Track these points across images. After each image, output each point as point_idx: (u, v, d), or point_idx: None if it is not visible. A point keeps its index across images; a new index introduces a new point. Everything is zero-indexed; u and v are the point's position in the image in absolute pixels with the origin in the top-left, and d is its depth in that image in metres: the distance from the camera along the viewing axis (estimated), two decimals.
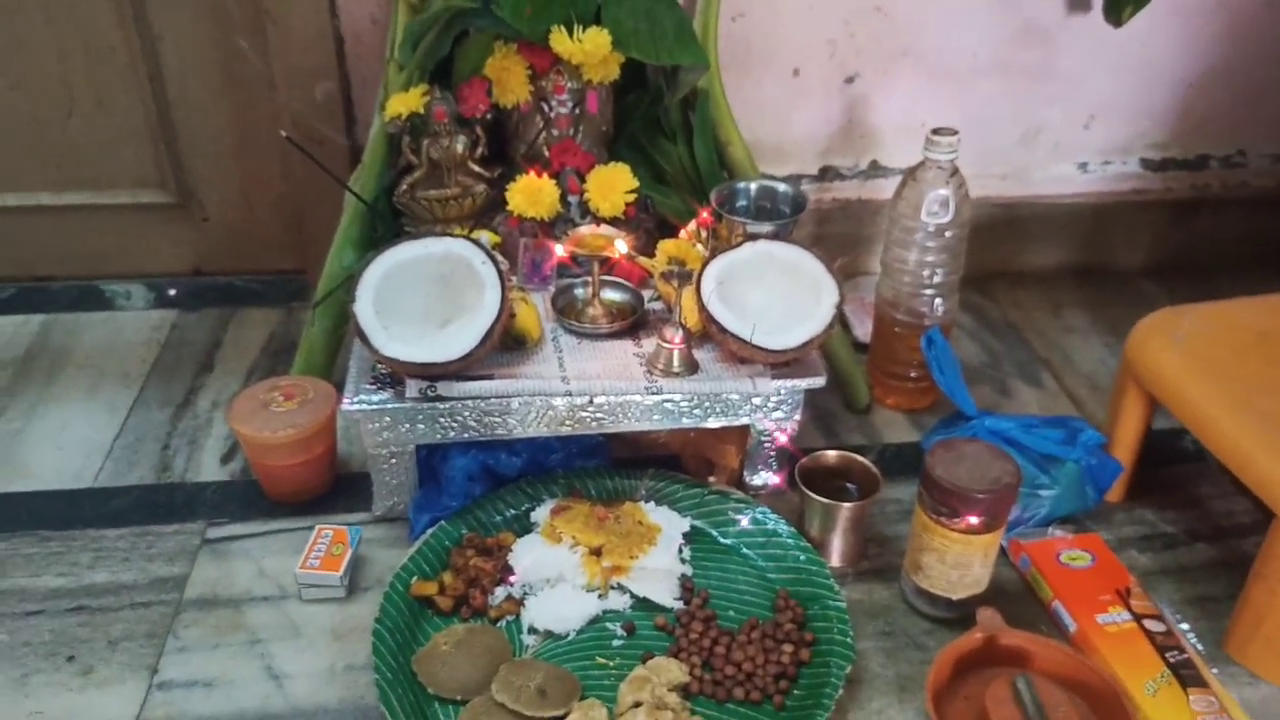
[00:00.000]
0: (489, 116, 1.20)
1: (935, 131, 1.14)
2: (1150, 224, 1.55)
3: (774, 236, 1.11)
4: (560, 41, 1.12)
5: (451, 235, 1.05)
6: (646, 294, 1.15)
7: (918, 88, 1.41)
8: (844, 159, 1.47)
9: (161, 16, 1.31)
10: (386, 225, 1.22)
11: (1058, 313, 1.49)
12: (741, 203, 1.19)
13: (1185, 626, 0.98)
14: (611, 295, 1.14)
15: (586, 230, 1.12)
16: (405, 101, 1.15)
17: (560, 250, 1.10)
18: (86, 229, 1.43)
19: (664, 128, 1.27)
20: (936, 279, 1.19)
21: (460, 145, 1.18)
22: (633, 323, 1.11)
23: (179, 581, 1.02)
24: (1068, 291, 1.54)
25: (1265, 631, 0.91)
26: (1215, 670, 0.92)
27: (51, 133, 1.36)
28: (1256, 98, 1.48)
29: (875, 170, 1.48)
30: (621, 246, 1.08)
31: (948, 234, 1.17)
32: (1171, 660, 0.90)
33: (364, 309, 0.99)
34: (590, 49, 1.12)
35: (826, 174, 1.47)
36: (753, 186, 1.19)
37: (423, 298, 1.03)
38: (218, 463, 1.18)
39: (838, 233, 1.48)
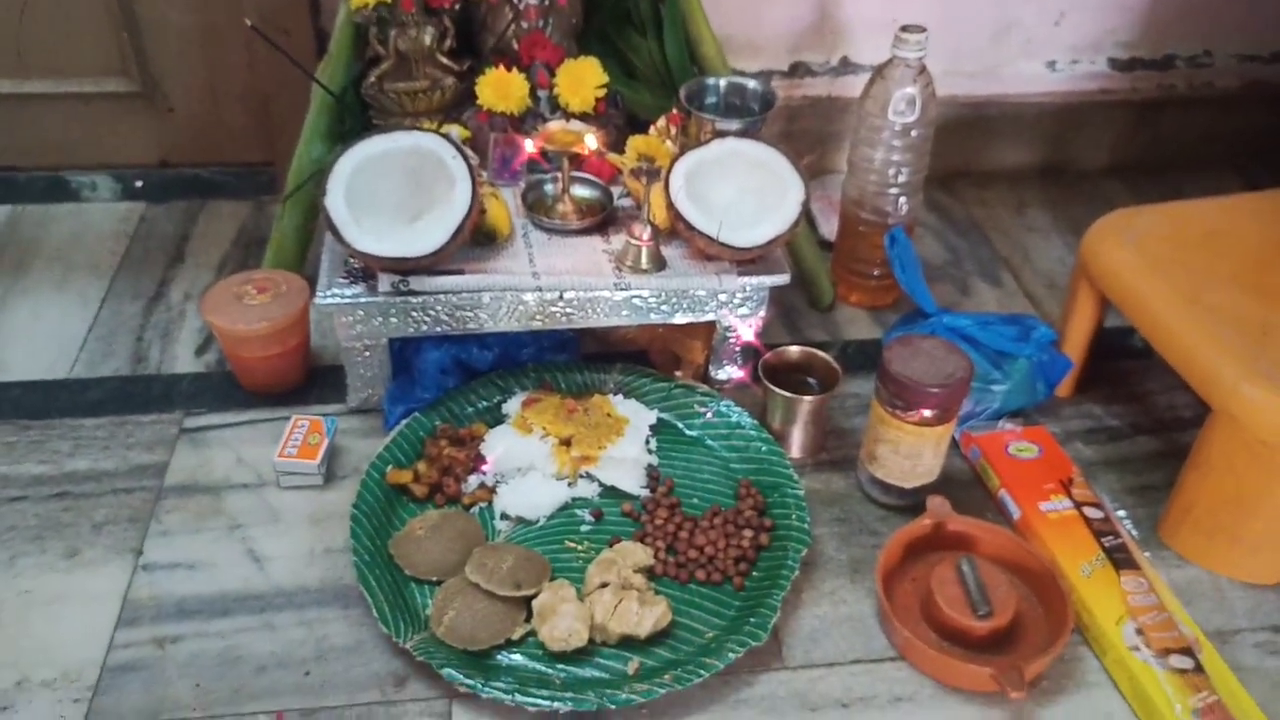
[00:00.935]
0: (457, 7, 1.19)
1: (904, 29, 1.14)
2: (1116, 124, 1.56)
3: (742, 134, 1.12)
4: None
5: (421, 129, 1.05)
6: (616, 191, 1.16)
7: None
8: (815, 55, 1.46)
9: None
10: (355, 118, 1.21)
11: (1021, 212, 1.51)
12: (711, 100, 1.19)
13: (1123, 514, 1.03)
14: (581, 192, 1.15)
15: (556, 126, 1.13)
16: None
17: (530, 146, 1.10)
18: (50, 118, 1.41)
19: (634, 21, 1.26)
20: (901, 178, 1.21)
21: (428, 36, 1.17)
22: (602, 219, 1.12)
23: (159, 469, 1.05)
24: (1032, 191, 1.56)
25: (1194, 516, 0.97)
26: (1148, 554, 0.98)
27: (9, 17, 1.33)
28: None
29: (846, 67, 1.48)
30: (591, 142, 1.09)
31: (913, 133, 1.18)
32: (1107, 545, 0.96)
33: (335, 203, 1.00)
34: None
35: (797, 70, 1.47)
36: (722, 83, 1.19)
37: (393, 192, 1.04)
38: (192, 354, 1.19)
39: (807, 130, 1.49)
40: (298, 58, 1.15)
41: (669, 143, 1.17)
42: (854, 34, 1.45)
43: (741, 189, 1.10)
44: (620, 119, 1.23)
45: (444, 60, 1.19)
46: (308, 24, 1.34)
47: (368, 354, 1.07)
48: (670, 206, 1.06)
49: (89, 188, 1.44)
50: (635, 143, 1.16)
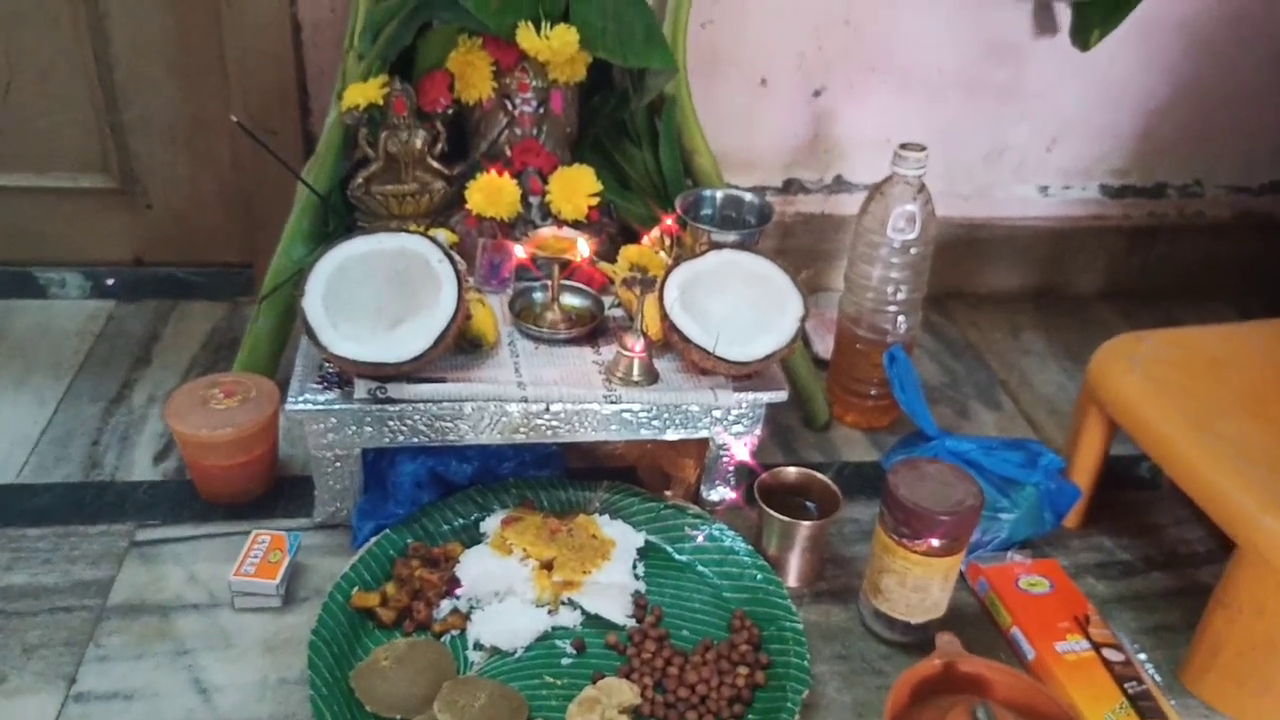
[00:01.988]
0: (450, 112, 1.16)
1: (904, 146, 1.13)
2: (1108, 249, 1.55)
3: (739, 246, 1.08)
4: (527, 37, 1.09)
5: (407, 231, 1.01)
6: (607, 300, 1.12)
7: (885, 103, 1.40)
8: (809, 172, 1.45)
9: None
10: (339, 220, 1.17)
11: (1016, 335, 1.49)
12: (706, 211, 1.16)
13: (1143, 656, 0.97)
14: (571, 300, 1.11)
15: (548, 232, 1.09)
16: (364, 92, 1.11)
17: (520, 251, 1.06)
18: (22, 212, 1.36)
19: (629, 132, 1.25)
20: (900, 296, 1.18)
21: (419, 140, 1.15)
22: (592, 329, 1.08)
23: (103, 586, 0.96)
24: (1026, 314, 1.54)
25: (1222, 661, 0.90)
26: (1174, 702, 0.91)
27: None
28: (1214, 126, 1.49)
29: (840, 185, 1.46)
30: (584, 249, 1.05)
31: (913, 251, 1.15)
32: (1130, 691, 0.89)
33: (313, 304, 0.95)
34: (558, 46, 1.09)
35: (791, 186, 1.45)
36: (718, 195, 1.16)
37: (375, 295, 0.99)
38: (150, 461, 1.12)
39: (801, 246, 1.46)
40: (285, 158, 1.12)
41: (663, 253, 1.13)
42: (848, 152, 1.44)
43: (737, 302, 1.06)
44: (613, 228, 1.20)
45: (434, 164, 1.16)
46: (297, 125, 1.31)
47: (338, 465, 1.01)
48: (664, 318, 1.01)
49: (58, 284, 1.39)
50: (628, 252, 1.12)
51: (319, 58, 1.29)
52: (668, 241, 1.15)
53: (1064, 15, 1.36)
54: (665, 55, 1.14)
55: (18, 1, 1.24)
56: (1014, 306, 1.55)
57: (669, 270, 1.04)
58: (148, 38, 1.28)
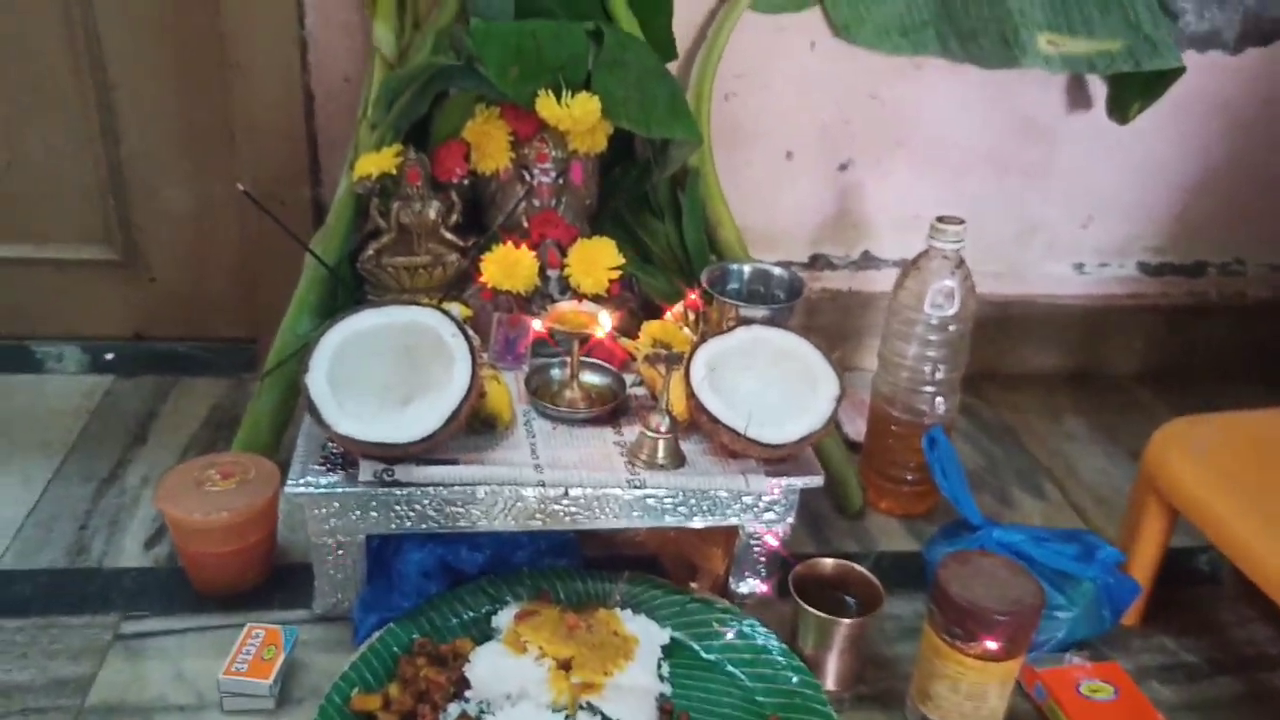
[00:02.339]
0: (465, 182, 1.12)
1: (941, 219, 1.08)
2: (1146, 329, 1.49)
3: (768, 322, 1.03)
4: (547, 106, 1.05)
5: (419, 304, 0.96)
6: (629, 378, 1.06)
7: (913, 178, 1.36)
8: (835, 248, 1.40)
9: (119, 65, 1.22)
10: (348, 293, 1.12)
11: (1055, 418, 1.42)
12: (733, 285, 1.11)
13: None
14: (591, 378, 1.05)
15: (567, 306, 1.04)
16: (376, 161, 1.07)
17: (538, 326, 1.01)
18: (20, 284, 1.32)
19: (651, 205, 1.20)
20: (938, 375, 1.11)
21: (433, 211, 1.10)
22: (613, 408, 1.01)
23: (82, 684, 0.89)
24: (1063, 395, 1.47)
25: None
26: None
27: None
28: (1255, 204, 1.44)
29: (867, 261, 1.42)
30: (606, 323, 0.99)
31: (951, 328, 1.09)
32: None
33: (317, 380, 0.89)
34: (579, 115, 1.05)
35: (816, 262, 1.40)
36: (745, 269, 1.11)
37: (383, 371, 0.93)
38: (140, 547, 1.05)
39: (828, 324, 1.41)
40: (293, 229, 1.07)
41: (687, 329, 1.08)
42: (876, 227, 1.39)
43: (767, 381, 1.00)
44: (635, 303, 1.14)
45: (448, 236, 1.12)
46: (307, 196, 1.27)
47: (340, 552, 0.93)
48: (691, 397, 0.95)
49: (54, 358, 1.34)
50: (650, 328, 1.07)
51: (331, 128, 1.25)
52: (692, 317, 1.10)
53: (1098, 90, 1.33)
54: (690, 126, 1.11)
55: (25, 75, 1.21)
56: (1050, 387, 1.48)
57: (695, 346, 0.99)
58: (155, 109, 1.25)
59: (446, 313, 0.94)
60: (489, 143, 1.11)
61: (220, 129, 1.25)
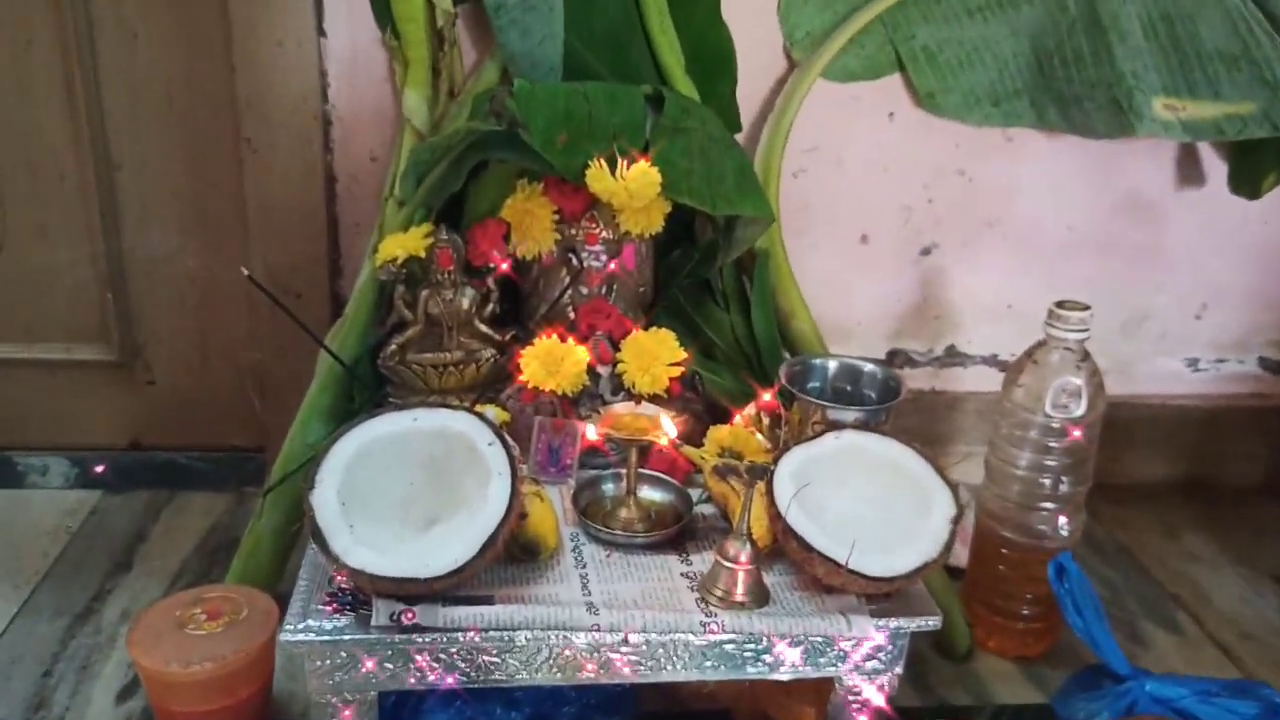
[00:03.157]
0: (505, 267, 0.98)
1: (1061, 305, 0.92)
2: (1270, 434, 1.31)
3: (862, 427, 0.86)
4: (599, 179, 0.91)
5: (449, 407, 0.80)
6: (693, 493, 0.89)
7: (1005, 263, 1.21)
8: (916, 342, 1.24)
9: (123, 141, 1.11)
10: (367, 394, 0.97)
11: (1175, 536, 1.23)
12: (814, 384, 0.95)
13: None
14: (651, 494, 0.88)
15: (623, 409, 0.88)
16: (403, 243, 0.93)
17: (591, 433, 0.85)
18: (5, 388, 1.18)
19: (714, 293, 1.05)
20: (1061, 489, 0.94)
21: (466, 300, 0.96)
22: (678, 530, 0.84)
23: None
24: (1180, 510, 1.28)
25: None
26: None
27: None
28: None
29: (953, 357, 1.25)
30: (670, 429, 0.83)
31: (1076, 433, 0.92)
32: None
33: (325, 499, 0.73)
34: (636, 189, 0.91)
35: (895, 358, 1.25)
36: (830, 365, 0.95)
37: (404, 487, 0.77)
38: (112, 700, 0.88)
39: (909, 428, 1.23)
40: (309, 324, 0.93)
41: (760, 436, 0.92)
42: (963, 319, 1.24)
43: (863, 498, 0.83)
44: (699, 405, 0.98)
45: (483, 328, 0.97)
46: (325, 287, 1.13)
47: (348, 714, 0.76)
48: (777, 519, 0.78)
49: (38, 471, 1.19)
50: (718, 434, 0.91)
51: (354, 212, 1.12)
52: (767, 421, 0.94)
53: (1212, 165, 1.18)
54: (760, 202, 0.97)
55: (21, 150, 1.10)
56: (1164, 500, 1.30)
57: (778, 457, 0.82)
58: (161, 191, 1.12)
59: (481, 417, 0.79)
60: (531, 222, 0.97)
61: (232, 214, 1.12)
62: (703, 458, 0.91)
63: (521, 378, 0.93)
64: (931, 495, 0.82)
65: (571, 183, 0.97)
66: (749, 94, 1.09)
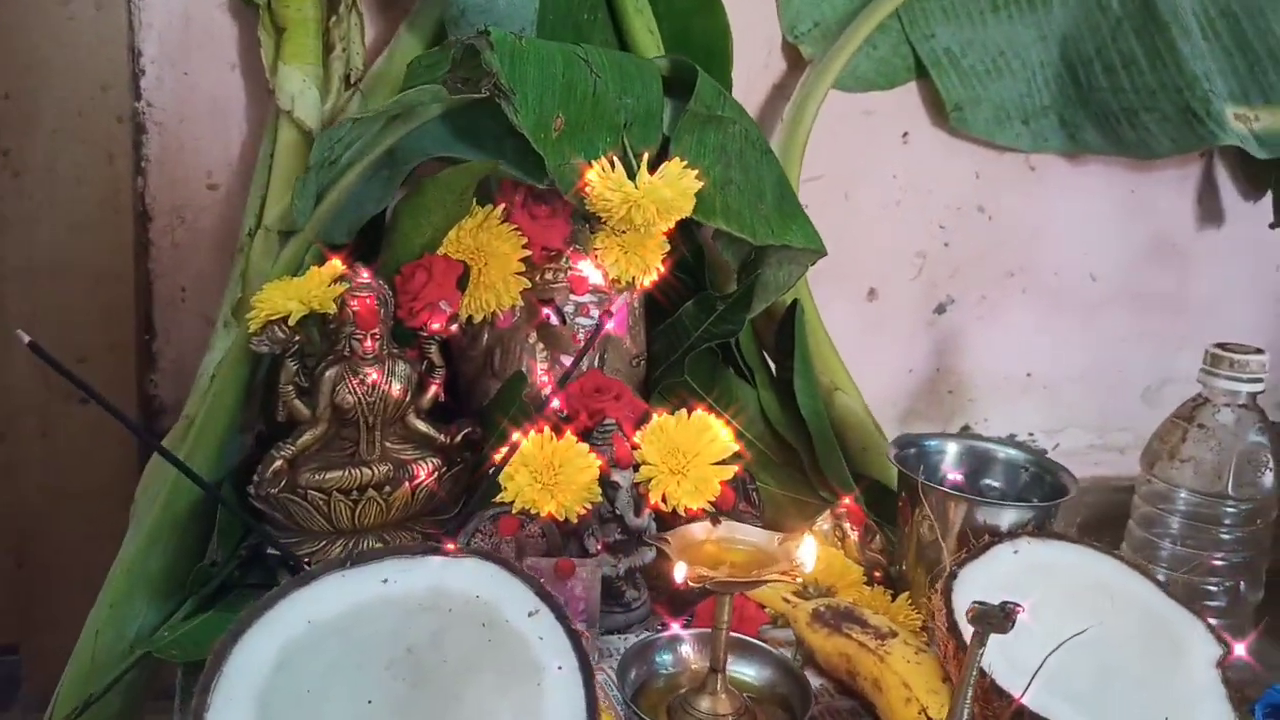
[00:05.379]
0: (454, 328, 0.64)
1: (1223, 347, 0.69)
2: None
3: (1038, 533, 0.58)
4: (609, 183, 0.60)
5: (435, 548, 0.45)
6: (784, 652, 0.57)
7: (1025, 321, 1.00)
8: (926, 423, 0.99)
9: None
10: (232, 543, 0.59)
11: None
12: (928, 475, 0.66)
13: None
14: (743, 670, 0.56)
15: (701, 531, 0.55)
16: (298, 292, 0.58)
17: (680, 574, 0.51)
18: None
19: (736, 361, 0.75)
20: (1244, 592, 0.70)
21: (398, 382, 0.61)
22: None
23: None
24: None
25: None
26: None
27: None
28: None
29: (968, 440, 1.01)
30: (810, 556, 0.51)
31: (1259, 521, 0.69)
32: None
33: None
34: (667, 199, 0.60)
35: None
36: (950, 447, 0.67)
37: (359, 712, 0.41)
38: None
39: None
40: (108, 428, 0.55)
41: (839, 548, 0.62)
42: (978, 394, 1.00)
43: (1058, 636, 0.54)
44: (758, 520, 0.67)
45: (421, 425, 0.62)
46: (130, 386, 0.74)
47: None
48: (990, 697, 0.48)
49: None
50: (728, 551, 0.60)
51: (182, 268, 0.75)
52: (854, 535, 0.64)
53: (1230, 199, 1.03)
54: (808, 228, 0.70)
55: None
56: None
57: (945, 586, 0.53)
58: None
59: (506, 563, 0.44)
60: (490, 264, 0.64)
61: None
62: (786, 599, 0.60)
63: (502, 497, 0.58)
64: (1171, 628, 0.55)
65: (544, 204, 0.65)
66: (739, 99, 0.82)
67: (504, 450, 0.58)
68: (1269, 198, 1.00)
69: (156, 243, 0.73)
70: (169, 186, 0.72)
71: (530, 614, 0.43)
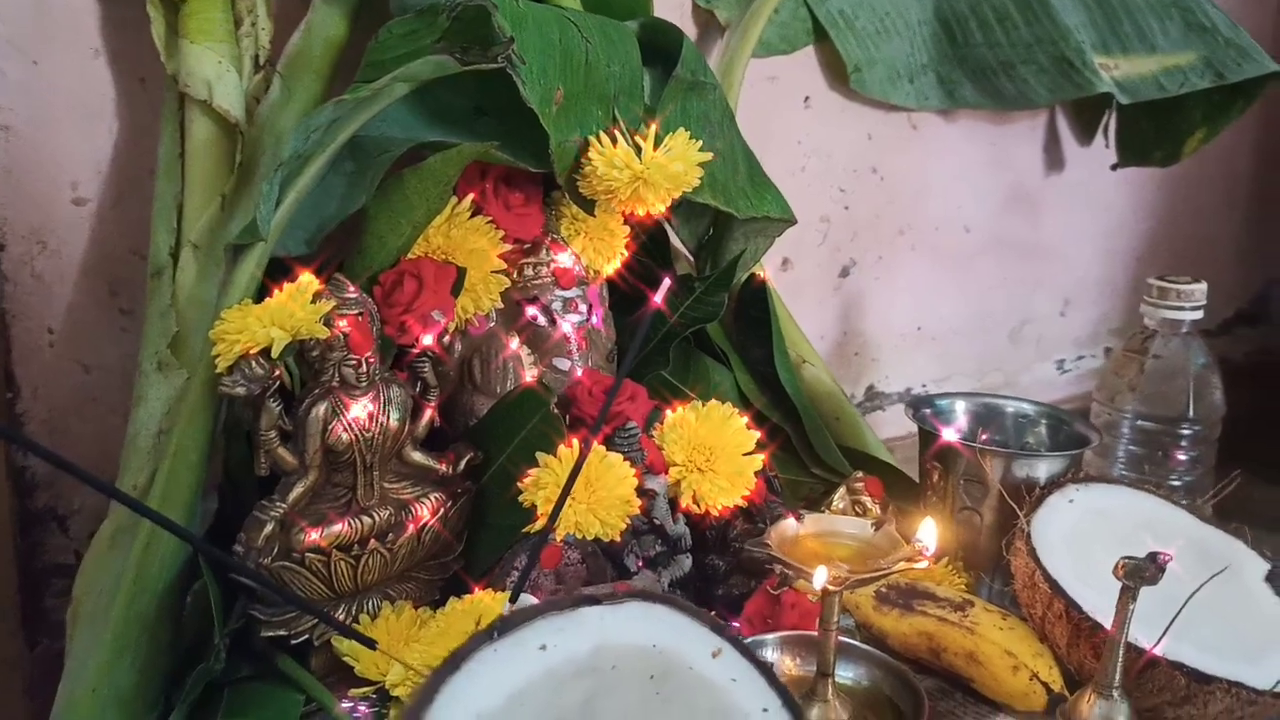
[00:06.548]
0: (445, 341, 0.55)
1: (1162, 279, 0.73)
2: None
3: (1087, 478, 0.59)
4: (614, 158, 0.54)
5: (590, 598, 0.38)
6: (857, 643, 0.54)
7: (915, 278, 1.01)
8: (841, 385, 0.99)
9: None
10: (221, 616, 0.48)
11: None
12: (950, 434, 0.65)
13: None
14: (845, 673, 0.52)
15: (791, 529, 0.50)
16: (278, 315, 0.47)
17: (820, 578, 0.45)
18: None
19: (708, 345, 0.71)
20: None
21: (396, 412, 0.52)
22: None
23: None
24: None
25: None
26: None
27: None
28: None
29: (873, 399, 1.02)
30: (930, 538, 0.48)
31: (1208, 440, 0.73)
32: None
33: None
34: (678, 173, 0.55)
35: None
36: (959, 405, 0.66)
37: None
38: None
39: None
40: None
41: (871, 525, 0.60)
42: (879, 352, 1.01)
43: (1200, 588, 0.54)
44: (781, 511, 0.63)
45: (418, 456, 0.53)
46: None
47: None
48: (1119, 646, 0.47)
49: None
50: (814, 541, 0.57)
51: (47, 305, 0.60)
52: (875, 508, 0.63)
53: (1070, 147, 1.09)
54: (778, 197, 0.66)
55: None
56: None
57: (1028, 545, 0.51)
58: None
59: (677, 603, 0.38)
60: (469, 264, 0.56)
61: None
62: (859, 597, 0.57)
63: (534, 527, 0.51)
64: (1218, 550, 0.56)
65: (518, 190, 0.58)
66: None
67: (539, 483, 0.51)
68: (1098, 141, 1.08)
69: (12, 276, 0.58)
70: (24, 204, 0.58)
71: (714, 654, 0.37)
